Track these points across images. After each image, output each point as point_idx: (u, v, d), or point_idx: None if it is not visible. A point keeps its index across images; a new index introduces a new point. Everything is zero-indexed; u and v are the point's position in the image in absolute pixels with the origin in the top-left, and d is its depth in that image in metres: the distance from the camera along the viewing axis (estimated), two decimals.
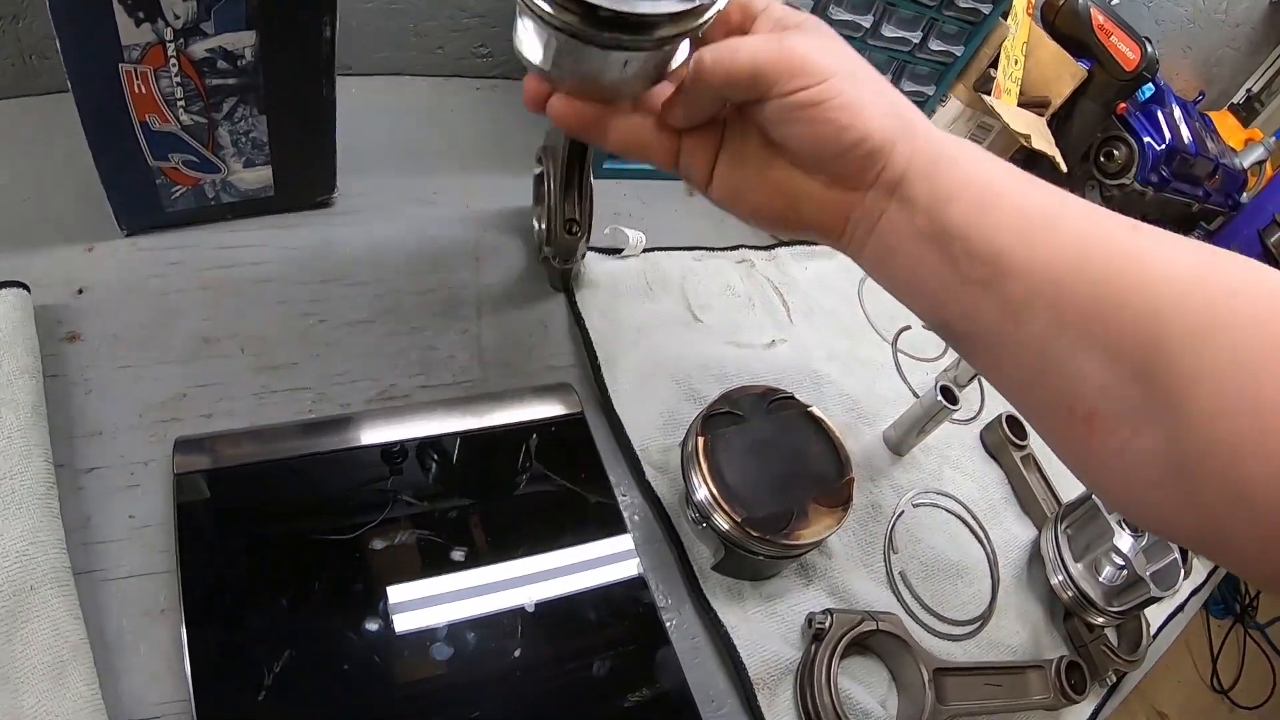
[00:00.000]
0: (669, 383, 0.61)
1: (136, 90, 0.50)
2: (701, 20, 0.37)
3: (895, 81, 0.83)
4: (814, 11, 0.70)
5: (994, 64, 0.82)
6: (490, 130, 0.76)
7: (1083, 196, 0.93)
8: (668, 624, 0.51)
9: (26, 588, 0.39)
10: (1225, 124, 1.32)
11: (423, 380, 0.57)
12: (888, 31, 0.76)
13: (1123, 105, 0.94)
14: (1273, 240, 1.10)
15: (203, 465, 0.46)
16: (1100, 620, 0.63)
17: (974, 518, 0.67)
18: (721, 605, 0.53)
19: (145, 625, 0.42)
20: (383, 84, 0.75)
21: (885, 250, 0.41)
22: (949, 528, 0.66)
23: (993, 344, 0.39)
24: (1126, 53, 0.87)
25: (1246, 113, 1.40)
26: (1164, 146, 0.97)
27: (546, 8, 0.35)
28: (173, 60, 0.49)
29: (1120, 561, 0.63)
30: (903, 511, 0.64)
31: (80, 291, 0.53)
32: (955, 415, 0.64)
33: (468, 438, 0.53)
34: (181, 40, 0.49)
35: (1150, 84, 1.00)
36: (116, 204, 0.55)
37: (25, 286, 0.50)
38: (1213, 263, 0.34)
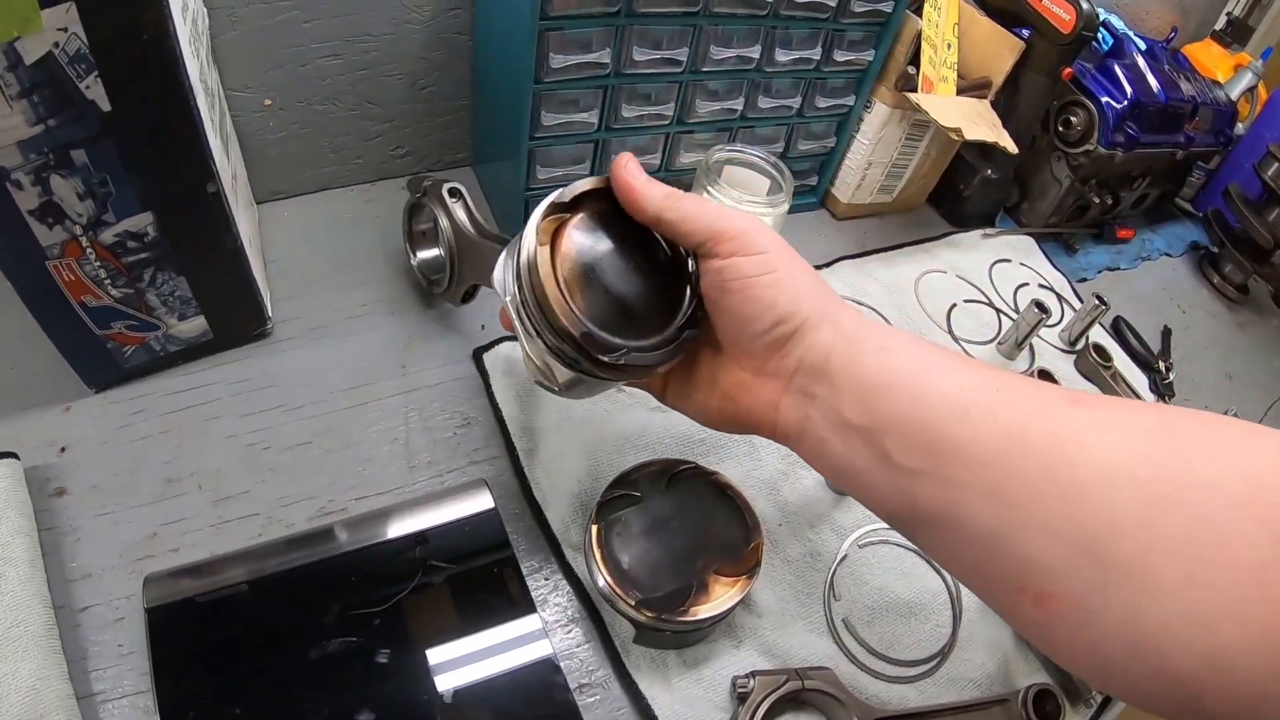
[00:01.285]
0: (587, 462, 0.63)
1: (66, 278, 0.55)
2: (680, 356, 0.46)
3: (806, 100, 0.82)
4: (690, 59, 0.71)
5: (914, 59, 0.80)
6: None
7: (1049, 171, 0.93)
8: (594, 699, 0.53)
9: (37, 717, 0.45)
10: (1210, 54, 1.23)
11: (357, 493, 0.61)
12: (782, 56, 0.75)
13: (1068, 70, 0.89)
14: (1269, 174, 1.01)
15: (167, 598, 0.52)
16: None
17: None
18: (645, 678, 0.54)
19: None
20: (312, 200, 0.79)
21: (818, 441, 0.42)
22: (901, 563, 0.65)
23: (938, 531, 0.38)
24: (1061, 15, 0.82)
25: (1233, 38, 1.29)
26: (1125, 103, 0.91)
27: (555, 364, 0.45)
28: (89, 250, 0.55)
29: None
30: (845, 555, 0.63)
31: (63, 450, 0.59)
32: None
33: (391, 545, 0.57)
34: (91, 233, 0.54)
35: (1109, 36, 0.94)
36: (79, 369, 0.61)
37: (16, 456, 0.56)
38: (1164, 428, 0.34)
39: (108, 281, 0.57)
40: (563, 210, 0.46)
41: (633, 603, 0.51)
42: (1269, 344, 1.09)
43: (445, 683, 0.51)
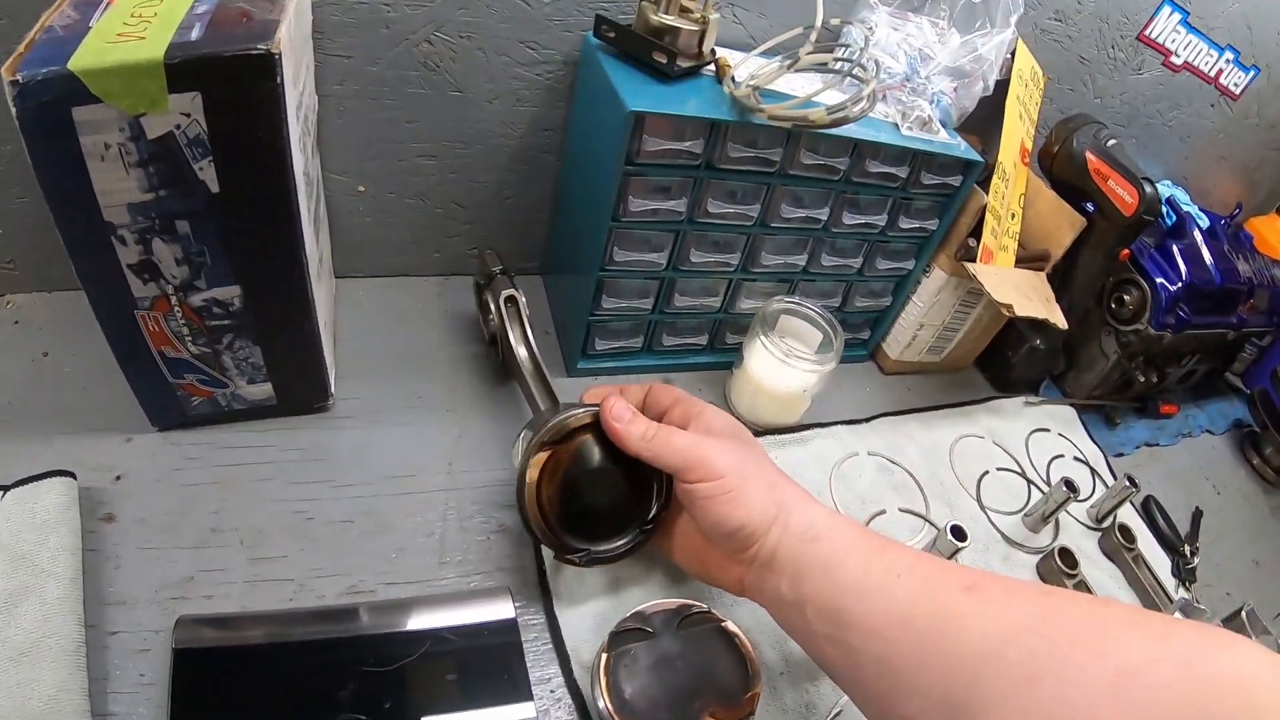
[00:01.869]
0: (610, 588, 0.66)
1: (151, 329, 0.60)
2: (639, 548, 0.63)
3: (868, 261, 0.85)
4: (760, 214, 0.74)
5: (976, 230, 0.82)
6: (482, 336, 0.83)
7: (1098, 344, 0.94)
8: None
9: None
10: (1274, 228, 1.23)
11: (388, 578, 0.63)
12: (849, 219, 0.78)
13: (1126, 251, 0.90)
14: None
15: (196, 643, 0.54)
16: None
17: None
18: None
19: None
20: (386, 285, 0.84)
21: (771, 607, 0.54)
22: None
23: (847, 685, 0.48)
24: (1125, 197, 0.84)
25: None
26: (1179, 285, 0.92)
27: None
28: (176, 308, 0.59)
29: None
30: (840, 711, 0.64)
31: (118, 478, 0.63)
32: None
33: (410, 636, 0.59)
34: (181, 293, 0.59)
35: (1172, 213, 0.96)
36: (147, 407, 0.66)
37: (73, 475, 0.60)
38: (1047, 613, 0.39)
39: (189, 338, 0.62)
40: (556, 444, 0.60)
41: None
42: None
43: None
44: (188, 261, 0.57)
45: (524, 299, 0.73)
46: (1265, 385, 1.12)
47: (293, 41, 0.55)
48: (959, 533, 0.70)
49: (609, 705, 0.54)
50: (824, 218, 0.77)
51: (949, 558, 0.72)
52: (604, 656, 0.56)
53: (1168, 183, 1.16)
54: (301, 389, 0.70)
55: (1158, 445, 1.06)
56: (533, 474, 0.59)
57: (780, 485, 0.55)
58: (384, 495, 0.68)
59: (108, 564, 0.59)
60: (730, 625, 0.60)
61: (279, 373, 0.67)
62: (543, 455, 0.59)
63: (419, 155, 0.77)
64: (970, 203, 0.82)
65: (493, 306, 0.73)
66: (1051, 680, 0.35)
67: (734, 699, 0.56)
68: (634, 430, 0.58)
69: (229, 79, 0.49)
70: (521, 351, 0.71)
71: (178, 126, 0.50)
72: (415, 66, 0.72)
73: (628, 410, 0.59)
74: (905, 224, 0.81)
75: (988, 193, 0.81)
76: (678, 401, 0.62)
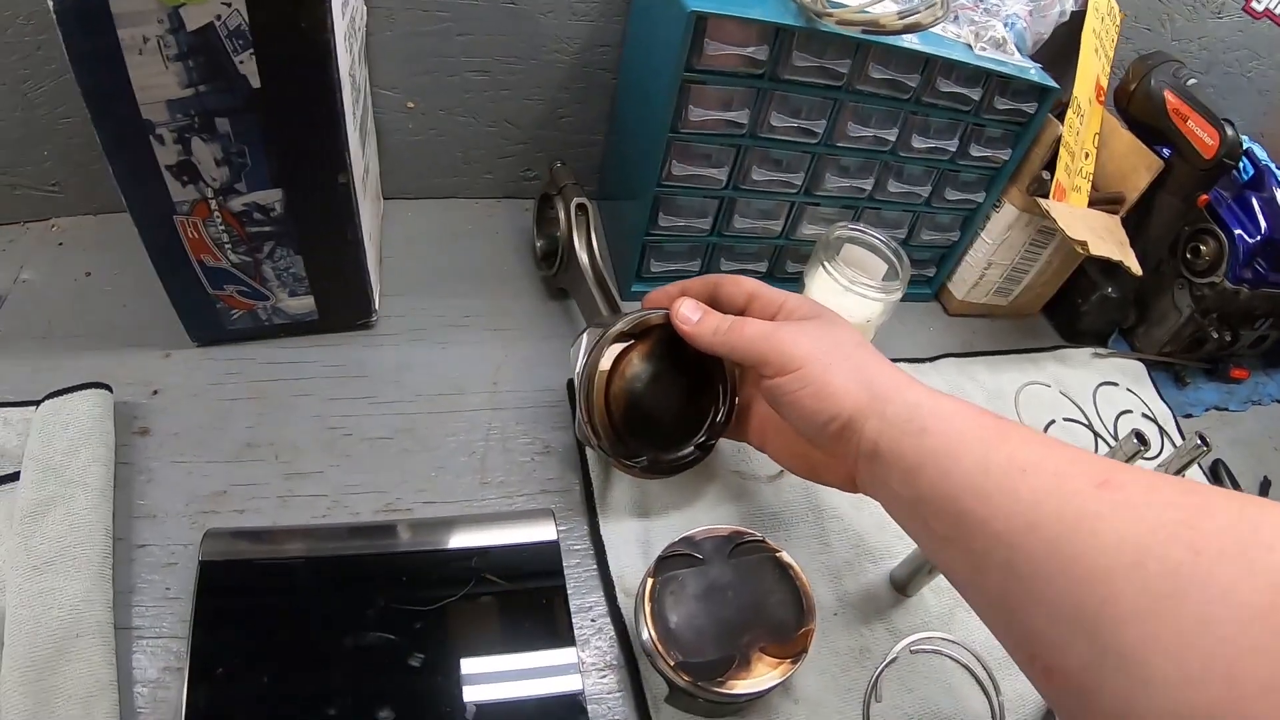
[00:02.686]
0: (658, 513, 0.63)
1: (190, 236, 0.58)
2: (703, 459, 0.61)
3: (936, 190, 0.81)
4: (826, 131, 0.71)
5: (1049, 164, 0.78)
6: (529, 252, 0.81)
7: (1170, 298, 0.89)
8: None
9: (74, 635, 0.47)
10: None
11: (426, 497, 0.61)
12: (918, 143, 0.74)
13: (1204, 197, 0.85)
14: None
15: (223, 555, 0.54)
16: None
17: (984, 667, 0.63)
18: None
19: (165, 678, 0.49)
20: (435, 207, 0.81)
21: (888, 506, 0.48)
22: (950, 677, 0.62)
23: (968, 594, 0.43)
24: (1205, 138, 0.79)
25: None
26: (1258, 238, 0.87)
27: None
28: (216, 213, 0.58)
29: None
30: (895, 658, 0.61)
31: (155, 392, 0.63)
32: None
33: (448, 554, 0.57)
34: (221, 197, 0.57)
35: (1250, 166, 0.90)
36: (186, 322, 0.64)
37: (109, 388, 0.59)
38: (1191, 518, 0.33)
39: (228, 246, 0.60)
40: (630, 338, 0.58)
41: (672, 663, 0.50)
42: None
43: (471, 696, 0.51)
44: (228, 163, 0.55)
45: (595, 212, 0.71)
46: None
47: None
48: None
49: (653, 634, 0.51)
50: (892, 139, 0.73)
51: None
52: (649, 583, 0.53)
53: (1246, 138, 1.11)
54: (344, 304, 0.68)
55: (1227, 410, 1.01)
56: (605, 364, 0.57)
57: (870, 367, 0.49)
58: (424, 413, 0.66)
59: (139, 477, 0.58)
60: (785, 556, 0.56)
61: (321, 285, 0.65)
62: (619, 346, 0.57)
63: (471, 70, 0.74)
64: (1044, 134, 0.78)
65: (560, 213, 0.70)
66: (1196, 598, 0.30)
67: (787, 634, 0.53)
68: (705, 327, 0.54)
69: None
70: (584, 258, 0.69)
71: (218, 17, 0.48)
72: None
73: (697, 309, 0.55)
74: (976, 152, 0.77)
75: (1062, 125, 0.77)
76: (754, 297, 0.57)
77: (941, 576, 0.65)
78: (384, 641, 0.52)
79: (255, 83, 0.51)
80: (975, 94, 0.72)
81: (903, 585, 0.65)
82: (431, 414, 0.66)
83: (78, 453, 0.55)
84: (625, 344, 0.58)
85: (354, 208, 0.62)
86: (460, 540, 0.58)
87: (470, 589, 0.56)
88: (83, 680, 0.46)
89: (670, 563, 0.55)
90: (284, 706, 0.49)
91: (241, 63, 0.50)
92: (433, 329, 0.72)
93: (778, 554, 0.57)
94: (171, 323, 0.64)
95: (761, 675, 0.51)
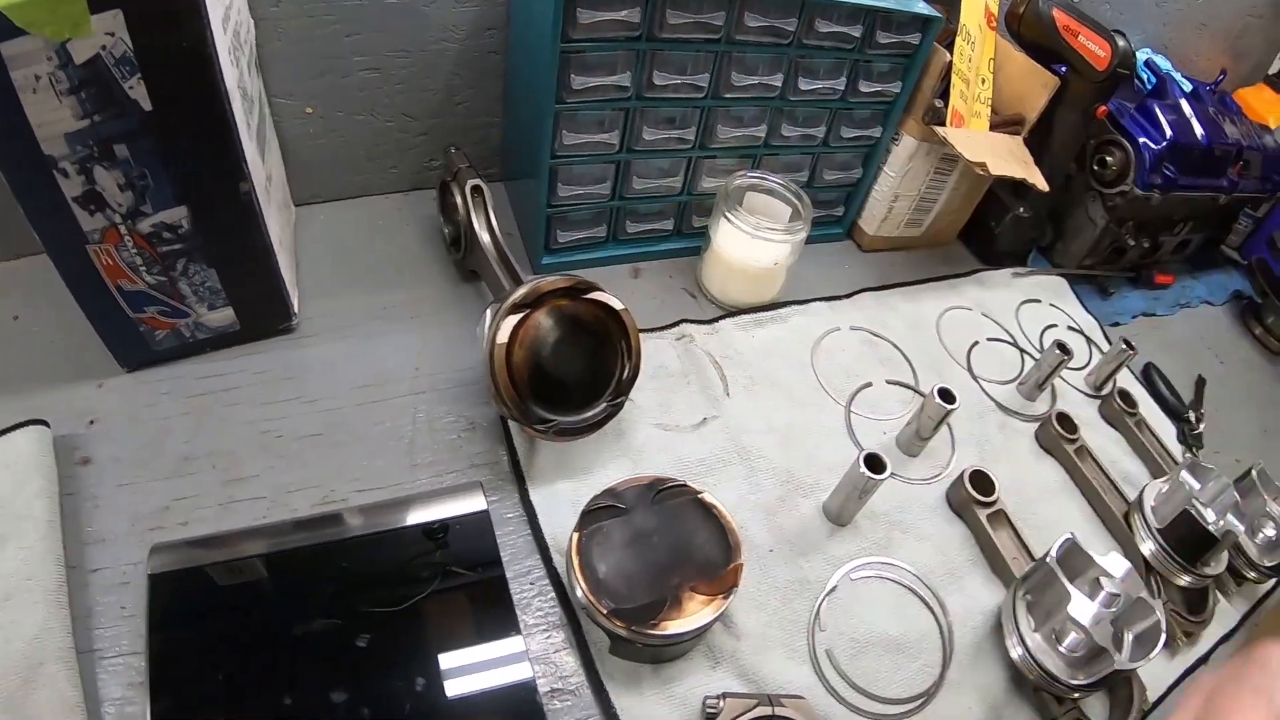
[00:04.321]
0: (584, 472, 0.65)
1: (105, 262, 0.59)
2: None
3: (832, 130, 0.83)
4: (712, 84, 0.72)
5: (944, 93, 0.80)
6: (439, 240, 0.82)
7: (1084, 211, 0.91)
8: (566, 704, 0.54)
9: (38, 663, 0.49)
10: (1262, 98, 1.19)
11: (361, 485, 0.63)
12: (806, 85, 0.76)
13: (1103, 108, 0.87)
14: None
15: (170, 567, 0.55)
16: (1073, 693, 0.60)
17: (927, 586, 0.65)
18: (617, 688, 0.55)
19: (130, 694, 0.51)
20: (346, 207, 0.82)
21: None
22: (893, 599, 0.64)
23: None
24: (1096, 51, 0.81)
25: None
26: (1163, 144, 0.89)
27: None
28: (126, 237, 0.59)
29: (1081, 630, 0.59)
30: (834, 586, 0.63)
31: (92, 422, 0.63)
32: (913, 475, 0.62)
33: (383, 537, 0.59)
34: (129, 221, 0.58)
35: (1152, 76, 0.92)
36: (113, 349, 0.65)
37: (46, 423, 0.60)
38: None
39: (143, 268, 0.61)
40: (525, 308, 0.59)
41: (605, 611, 0.52)
42: None
43: (418, 671, 0.53)
44: (131, 187, 0.56)
45: (489, 192, 0.72)
46: (1263, 254, 1.08)
47: None
48: (947, 395, 0.68)
49: (583, 586, 0.53)
50: (779, 85, 0.75)
51: (938, 422, 0.70)
52: (575, 538, 0.55)
53: (1148, 49, 1.12)
54: (263, 311, 0.69)
55: (1155, 315, 1.03)
56: (503, 336, 0.58)
57: None
58: (352, 406, 0.67)
59: (86, 504, 0.59)
60: (707, 497, 0.58)
61: (238, 295, 0.66)
62: (515, 318, 0.59)
63: (364, 69, 0.75)
64: (933, 63, 0.79)
65: (458, 198, 0.72)
66: None
67: (715, 571, 0.55)
68: None
69: None
70: (485, 238, 0.70)
71: (103, 47, 0.49)
72: None
73: None
74: (866, 88, 0.79)
75: (951, 53, 0.78)
76: None
77: (875, 502, 0.67)
78: (330, 626, 0.54)
79: (147, 106, 0.52)
80: (856, 31, 0.74)
81: (836, 515, 0.66)
82: (359, 405, 0.67)
83: (22, 489, 0.56)
84: (521, 314, 0.59)
85: (259, 216, 0.63)
86: (394, 521, 0.60)
87: (408, 566, 0.58)
88: (51, 706, 0.47)
89: (594, 516, 0.56)
90: (242, 702, 0.50)
91: (131, 88, 0.51)
92: (354, 325, 0.73)
93: (700, 495, 0.58)
94: (101, 353, 0.65)
95: (694, 614, 0.53)
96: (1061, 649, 0.60)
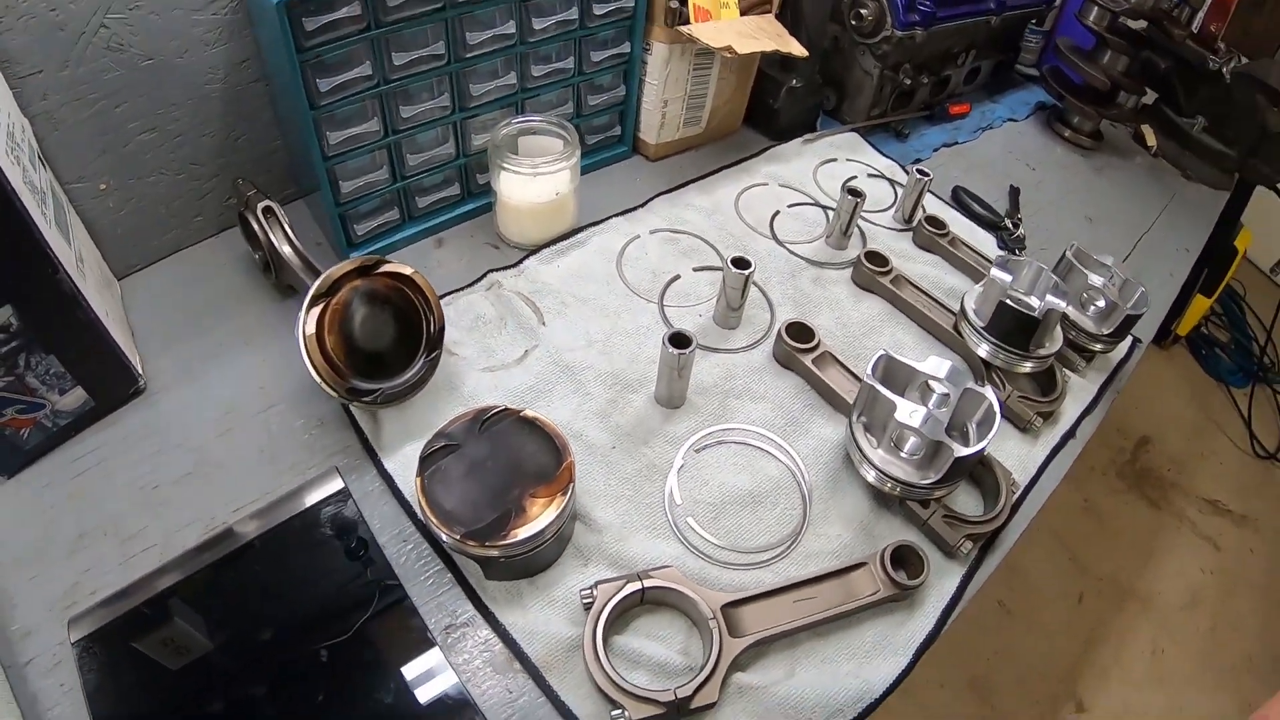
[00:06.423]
0: (427, 430, 0.68)
1: None
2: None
3: (582, 58, 0.86)
4: (449, 50, 0.76)
5: None
6: (254, 266, 0.86)
7: (858, 67, 0.96)
8: (460, 636, 0.60)
9: None
10: None
11: (236, 504, 0.67)
12: (540, 24, 0.79)
13: None
14: (1091, 19, 1.03)
15: (90, 629, 0.60)
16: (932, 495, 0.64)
17: (770, 439, 0.70)
18: (502, 608, 0.60)
19: None
20: (165, 266, 0.86)
21: None
22: (740, 459, 0.69)
23: None
24: None
25: None
26: None
27: None
28: None
29: (912, 431, 0.64)
30: (682, 464, 0.68)
31: None
32: (735, 345, 0.65)
33: (266, 538, 0.64)
34: None
35: None
36: None
37: None
38: None
39: None
40: (324, 297, 0.64)
41: (458, 536, 0.57)
42: (1130, 183, 1.11)
43: (320, 643, 0.58)
44: None
45: (281, 209, 0.77)
46: (1053, 62, 1.14)
47: None
48: (740, 262, 0.73)
49: (435, 521, 0.57)
50: (514, 30, 0.78)
51: (742, 290, 0.75)
52: (418, 481, 0.59)
53: None
54: (111, 382, 0.73)
55: (957, 144, 1.09)
56: (310, 329, 0.64)
57: None
58: (213, 439, 0.71)
59: (4, 605, 0.62)
60: (529, 412, 0.63)
61: (83, 373, 0.70)
62: (316, 309, 0.64)
63: (141, 133, 0.79)
64: None
65: (254, 223, 0.76)
66: None
67: (550, 474, 0.60)
68: None
69: None
70: (286, 250, 0.75)
71: None
72: (102, 54, 0.73)
73: None
74: (600, 9, 0.82)
75: None
76: None
77: (703, 378, 0.71)
78: (247, 626, 0.60)
79: None
80: None
81: (668, 400, 0.71)
82: (219, 436, 0.72)
83: None
84: (322, 304, 0.64)
85: (78, 296, 0.67)
86: (269, 524, 0.64)
87: (303, 556, 0.63)
88: None
89: (431, 459, 0.61)
90: None
91: None
92: (197, 368, 0.77)
93: (521, 413, 0.63)
94: None
95: (540, 516, 0.58)
96: (904, 455, 0.66)
